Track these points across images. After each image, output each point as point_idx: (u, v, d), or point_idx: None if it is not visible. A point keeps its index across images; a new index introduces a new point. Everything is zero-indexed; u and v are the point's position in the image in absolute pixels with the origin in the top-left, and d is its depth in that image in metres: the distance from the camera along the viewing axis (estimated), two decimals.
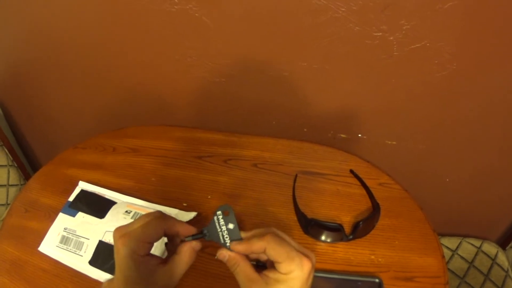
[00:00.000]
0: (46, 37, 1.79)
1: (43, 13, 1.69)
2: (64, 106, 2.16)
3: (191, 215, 1.37)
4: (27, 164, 2.56)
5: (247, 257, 0.89)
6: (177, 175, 1.52)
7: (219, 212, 0.91)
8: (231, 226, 0.90)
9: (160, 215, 0.93)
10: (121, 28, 1.65)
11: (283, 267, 0.81)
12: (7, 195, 2.07)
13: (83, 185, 1.48)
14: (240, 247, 0.87)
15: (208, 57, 1.65)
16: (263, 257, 0.90)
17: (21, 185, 2.14)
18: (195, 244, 0.93)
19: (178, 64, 1.71)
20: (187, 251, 0.92)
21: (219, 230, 0.90)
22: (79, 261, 1.26)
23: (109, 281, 0.91)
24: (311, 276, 0.83)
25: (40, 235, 1.34)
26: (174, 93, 1.87)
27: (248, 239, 0.87)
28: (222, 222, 0.90)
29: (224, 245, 0.89)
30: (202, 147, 1.61)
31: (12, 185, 2.09)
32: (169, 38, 1.63)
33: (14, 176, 2.11)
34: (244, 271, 0.85)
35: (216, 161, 1.56)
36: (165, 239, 1.02)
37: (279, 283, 0.81)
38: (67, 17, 1.68)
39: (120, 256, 0.86)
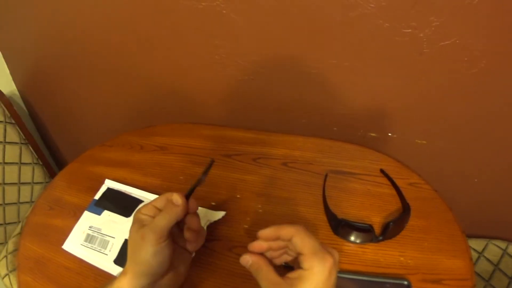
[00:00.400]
0: (72, 34, 1.80)
1: (68, 10, 1.70)
2: (90, 104, 2.17)
3: (220, 214, 1.35)
4: (53, 162, 2.57)
5: (270, 262, 0.90)
6: None
7: None
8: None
9: (170, 201, 1.02)
10: (149, 24, 1.64)
11: (306, 260, 0.81)
12: (32, 193, 2.09)
13: (109, 183, 1.48)
14: (269, 231, 0.89)
15: (237, 54, 1.64)
16: (288, 257, 0.92)
17: (46, 183, 2.16)
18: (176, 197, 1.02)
19: (206, 61, 1.70)
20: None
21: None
22: (104, 260, 1.25)
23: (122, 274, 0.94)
24: (334, 274, 0.81)
25: (64, 233, 1.34)
26: (202, 90, 1.86)
27: (277, 226, 0.88)
28: None
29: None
30: (230, 145, 1.60)
31: (36, 183, 2.10)
32: (196, 35, 1.62)
33: (38, 174, 2.12)
34: (267, 276, 0.85)
35: (245, 159, 1.55)
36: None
37: (303, 281, 0.80)
38: (94, 13, 1.68)
39: (140, 244, 0.92)
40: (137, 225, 0.96)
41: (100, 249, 1.28)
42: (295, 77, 1.64)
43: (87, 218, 1.37)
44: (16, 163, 2.05)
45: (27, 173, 2.07)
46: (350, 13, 1.37)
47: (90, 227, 1.34)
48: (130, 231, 0.96)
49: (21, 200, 2.06)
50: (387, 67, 1.52)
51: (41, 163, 2.15)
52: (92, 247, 1.29)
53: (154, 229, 0.93)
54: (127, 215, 1.34)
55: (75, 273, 1.24)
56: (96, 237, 1.31)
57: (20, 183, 2.06)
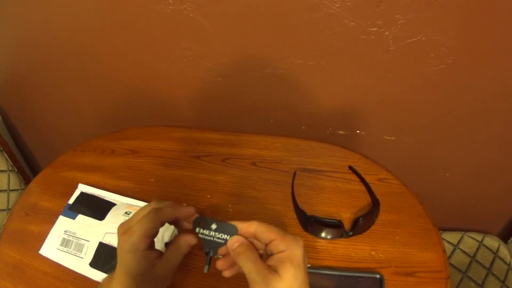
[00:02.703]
0: (44, 40, 1.80)
1: (41, 15, 1.70)
2: (63, 109, 2.17)
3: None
4: (27, 168, 2.57)
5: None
6: (176, 176, 1.53)
7: (197, 229, 0.95)
8: (213, 226, 0.93)
9: (155, 207, 0.99)
10: (118, 29, 1.66)
11: (279, 243, 0.83)
12: (8, 200, 2.07)
13: (82, 188, 1.49)
14: (231, 223, 0.91)
15: (204, 57, 1.66)
16: (258, 247, 0.92)
17: (22, 189, 2.14)
18: (191, 239, 1.01)
19: (175, 64, 1.72)
20: (183, 242, 1.01)
21: (211, 238, 0.93)
22: (80, 263, 1.27)
23: (109, 276, 0.97)
24: (305, 253, 0.84)
25: (40, 239, 1.35)
26: (171, 93, 1.88)
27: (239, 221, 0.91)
28: (206, 231, 0.94)
29: (225, 243, 0.92)
30: (200, 147, 1.62)
31: (12, 190, 2.09)
32: (165, 38, 1.63)
33: (14, 181, 2.11)
34: (253, 259, 0.85)
35: (215, 160, 1.57)
36: (165, 239, 1.13)
37: (285, 263, 0.81)
38: (64, 19, 1.68)
39: (122, 252, 0.93)
40: (120, 230, 0.97)
41: (75, 253, 1.29)
42: (262, 78, 1.66)
43: (62, 223, 1.38)
44: None
45: (2, 180, 2.06)
46: (316, 13, 1.39)
47: (65, 231, 1.35)
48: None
49: None
50: (353, 66, 1.55)
51: (16, 170, 2.14)
52: (68, 251, 1.31)
53: (132, 237, 0.94)
54: (100, 218, 1.36)
55: (52, 277, 1.25)
56: (72, 241, 1.32)
57: None
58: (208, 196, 1.45)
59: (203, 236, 0.93)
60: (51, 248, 1.33)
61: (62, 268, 1.24)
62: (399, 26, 1.38)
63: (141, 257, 0.95)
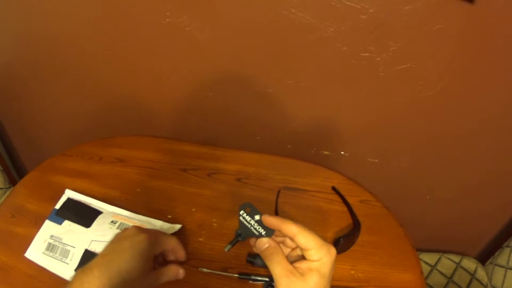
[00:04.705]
0: (36, 41, 1.80)
1: (34, 16, 1.70)
2: (52, 111, 2.17)
3: (176, 227, 1.39)
4: (12, 167, 2.56)
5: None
6: (162, 187, 1.54)
7: (241, 212, 0.96)
8: (257, 217, 0.95)
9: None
10: (114, 36, 1.67)
11: (314, 254, 0.86)
12: None
13: (69, 193, 1.49)
14: (273, 219, 0.92)
15: (197, 71, 1.68)
16: (288, 245, 0.95)
17: (6, 188, 2.14)
18: (181, 273, 1.14)
19: (167, 76, 1.73)
20: (174, 270, 1.13)
21: (249, 226, 0.95)
22: (65, 269, 1.27)
23: (82, 270, 0.99)
24: (334, 263, 0.88)
25: (26, 241, 1.35)
26: (162, 104, 1.89)
27: (281, 218, 0.91)
28: (248, 218, 0.95)
29: (260, 236, 0.94)
30: (187, 160, 1.63)
31: None
32: (160, 50, 1.65)
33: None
34: (281, 261, 0.88)
35: (201, 174, 1.58)
36: None
37: (313, 271, 0.85)
38: (61, 22, 1.69)
39: (134, 251, 1.03)
40: (127, 235, 1.08)
41: (61, 258, 1.29)
42: (252, 96, 1.69)
43: (48, 227, 1.38)
44: None
45: None
46: (310, 36, 1.42)
47: (51, 236, 1.35)
48: (117, 239, 1.08)
49: None
50: (343, 89, 1.58)
51: (1, 168, 2.14)
52: (54, 256, 1.30)
53: (153, 242, 1.08)
54: (87, 225, 1.35)
55: (37, 281, 1.25)
56: (57, 246, 1.32)
57: None
58: (193, 210, 1.46)
59: (243, 220, 0.96)
60: (37, 252, 1.33)
61: (47, 273, 1.25)
62: (390, 53, 1.41)
63: (147, 260, 1.05)
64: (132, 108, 1.97)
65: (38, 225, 1.39)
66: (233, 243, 0.98)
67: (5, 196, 1.98)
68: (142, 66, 1.75)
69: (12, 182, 2.20)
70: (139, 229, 1.10)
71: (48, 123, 2.26)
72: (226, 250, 0.98)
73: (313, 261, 0.86)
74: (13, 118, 2.32)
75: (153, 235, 1.10)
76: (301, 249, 0.89)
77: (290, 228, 0.88)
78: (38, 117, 2.24)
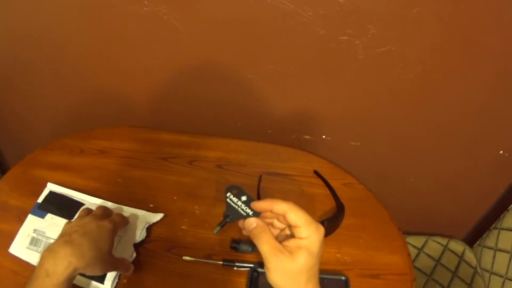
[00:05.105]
0: (14, 36, 1.79)
1: (11, 11, 1.69)
2: (32, 105, 2.16)
3: (158, 216, 1.39)
4: None
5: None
6: (142, 177, 1.54)
7: (228, 194, 0.96)
8: (244, 198, 0.95)
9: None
10: (91, 27, 1.66)
11: (303, 231, 0.86)
12: None
13: (51, 187, 1.49)
14: (263, 203, 0.92)
15: (175, 59, 1.68)
16: (276, 226, 0.96)
17: None
18: (132, 268, 1.25)
19: (146, 65, 1.73)
20: (128, 262, 1.25)
21: (236, 207, 0.95)
22: None
23: (50, 250, 1.05)
24: (323, 241, 0.88)
25: (10, 237, 1.34)
26: (141, 94, 1.89)
27: (270, 199, 0.91)
28: (235, 199, 0.95)
29: (248, 217, 0.94)
30: (166, 149, 1.63)
31: None
32: (137, 39, 1.65)
33: None
34: (269, 240, 0.88)
35: (181, 162, 1.59)
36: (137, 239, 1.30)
37: (302, 249, 0.85)
38: (35, 16, 1.68)
39: (105, 230, 1.15)
40: (93, 217, 1.19)
41: None
42: (231, 82, 1.69)
43: (31, 221, 1.38)
44: None
45: None
46: (288, 21, 1.42)
47: (34, 230, 1.35)
48: (86, 223, 1.16)
49: None
50: (323, 73, 1.58)
51: None
52: (38, 250, 1.31)
53: (113, 223, 1.20)
54: (69, 217, 1.33)
55: (22, 276, 1.25)
56: (41, 240, 1.33)
57: None
58: (175, 198, 1.47)
59: (230, 202, 0.96)
60: (21, 247, 1.33)
61: (32, 268, 1.22)
62: (369, 36, 1.42)
63: (111, 244, 1.16)
64: (112, 100, 1.96)
65: (21, 220, 1.39)
66: (222, 224, 0.98)
67: None
68: (121, 57, 1.74)
69: None
70: (97, 216, 1.21)
71: (29, 118, 2.25)
72: (215, 232, 0.98)
73: (302, 238, 0.86)
74: None
75: (111, 221, 1.20)
76: (291, 227, 0.90)
77: (281, 206, 0.88)
78: (19, 112, 2.23)
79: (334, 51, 1.49)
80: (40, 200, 1.45)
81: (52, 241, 1.24)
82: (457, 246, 2.07)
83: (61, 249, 1.03)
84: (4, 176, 1.58)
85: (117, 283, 1.25)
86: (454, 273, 1.96)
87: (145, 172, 1.56)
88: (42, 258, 1.03)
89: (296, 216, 0.87)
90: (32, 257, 1.31)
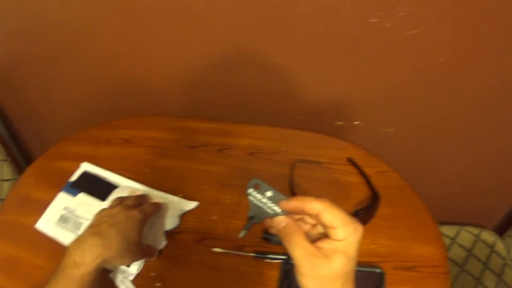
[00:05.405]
0: (37, 29, 1.79)
1: (31, 6, 1.68)
2: (56, 98, 2.17)
3: (193, 204, 1.39)
4: (22, 158, 2.56)
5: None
6: (171, 166, 1.52)
7: (250, 190, 0.86)
8: (269, 193, 0.84)
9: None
10: (112, 16, 1.64)
11: (339, 232, 0.78)
12: (1, 190, 2.07)
13: (86, 166, 1.52)
14: (293, 203, 0.82)
15: (202, 45, 1.65)
16: (308, 222, 0.87)
17: (15, 179, 2.14)
18: (157, 253, 1.26)
19: (171, 53, 1.71)
20: (153, 248, 1.26)
21: (261, 205, 0.85)
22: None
23: (78, 241, 1.07)
24: (360, 241, 0.81)
25: (33, 231, 1.35)
26: (167, 82, 1.87)
27: (301, 198, 0.82)
28: (258, 196, 0.85)
29: (275, 215, 0.85)
30: (195, 137, 1.60)
31: (6, 180, 2.08)
32: (162, 26, 1.62)
33: (8, 171, 2.10)
34: (301, 243, 0.79)
35: (211, 150, 1.55)
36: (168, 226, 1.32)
37: (338, 253, 0.77)
38: (59, 7, 1.67)
39: (135, 219, 1.15)
40: (123, 208, 1.18)
41: (73, 230, 1.33)
42: (260, 67, 1.66)
43: (62, 199, 1.41)
44: None
45: None
46: (316, 4, 1.38)
47: (65, 208, 1.38)
48: (116, 213, 1.15)
49: None
50: (353, 56, 1.54)
51: (9, 159, 2.13)
52: (66, 228, 1.34)
53: (143, 213, 1.19)
54: (102, 198, 1.38)
55: (46, 271, 1.17)
56: (70, 219, 1.35)
57: None
58: (205, 187, 1.44)
59: (253, 199, 0.85)
60: (49, 223, 1.36)
61: (57, 262, 1.21)
62: (399, 19, 1.37)
63: (140, 234, 1.16)
64: (136, 90, 1.96)
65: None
66: (248, 227, 0.89)
67: None
68: (144, 45, 1.73)
69: (22, 173, 2.19)
70: (127, 206, 1.21)
71: (53, 111, 2.28)
72: (241, 236, 0.89)
73: (338, 240, 0.78)
74: (18, 109, 2.33)
75: (142, 210, 1.20)
76: (325, 227, 0.81)
77: (314, 206, 0.79)
78: (43, 105, 2.25)
79: (364, 34, 1.46)
80: (73, 178, 1.48)
81: (81, 220, 1.36)
82: (489, 236, 2.02)
83: (89, 240, 1.05)
84: (28, 169, 1.58)
85: (143, 266, 1.26)
86: (485, 265, 1.93)
87: (174, 161, 1.54)
88: (70, 249, 1.04)
89: (331, 216, 0.78)
90: (59, 234, 1.33)
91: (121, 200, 1.26)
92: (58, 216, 1.36)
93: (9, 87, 2.19)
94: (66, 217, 1.35)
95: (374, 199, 1.35)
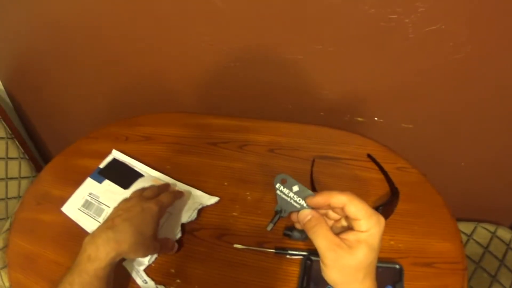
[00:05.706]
0: (54, 27, 1.80)
1: (52, 3, 1.69)
2: (73, 96, 2.18)
3: (213, 199, 1.39)
4: (39, 156, 2.56)
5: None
6: (192, 162, 1.51)
7: (278, 185, 0.89)
8: (296, 188, 0.88)
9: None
10: (131, 13, 1.64)
11: (363, 224, 0.80)
12: (19, 188, 2.08)
13: (116, 154, 1.55)
14: (319, 198, 0.86)
15: (221, 41, 1.64)
16: (331, 217, 0.89)
17: (33, 177, 2.16)
18: (176, 246, 1.26)
19: (190, 49, 1.70)
20: (172, 242, 1.26)
21: (288, 199, 0.88)
22: (96, 227, 1.23)
23: (92, 235, 1.08)
24: (383, 233, 0.83)
25: (52, 228, 1.36)
26: (186, 79, 1.86)
27: (327, 192, 0.85)
28: (286, 190, 0.88)
29: (301, 209, 0.87)
30: (216, 133, 1.60)
31: (23, 178, 2.09)
32: (180, 23, 1.62)
33: (25, 169, 2.12)
34: (326, 234, 0.82)
35: (231, 147, 1.55)
36: (183, 220, 1.32)
37: (362, 243, 0.80)
38: (78, 6, 1.67)
39: (151, 212, 1.15)
40: (139, 200, 1.19)
41: (94, 216, 1.35)
42: (280, 63, 1.65)
43: (89, 185, 1.44)
44: (3, 158, 2.03)
45: (13, 168, 2.06)
46: (336, 0, 1.37)
47: (89, 193, 1.41)
48: (131, 206, 1.16)
49: (8, 196, 2.05)
50: (373, 52, 1.53)
51: (27, 157, 2.14)
52: (89, 213, 1.36)
53: (159, 204, 1.18)
54: (126, 187, 1.41)
55: (65, 267, 1.16)
56: (93, 204, 1.38)
57: (7, 178, 2.06)
58: (226, 183, 1.43)
59: (281, 194, 0.89)
60: (73, 207, 1.40)
61: (74, 258, 1.21)
62: (419, 14, 1.35)
63: (155, 227, 1.16)
64: (156, 86, 1.96)
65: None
66: (275, 221, 0.92)
67: None
68: (163, 42, 1.73)
69: (39, 170, 2.22)
70: (144, 198, 1.21)
71: (71, 109, 2.29)
72: (268, 229, 0.91)
73: (362, 232, 0.80)
74: (36, 107, 2.35)
75: (158, 202, 1.20)
76: (349, 219, 0.84)
77: (339, 199, 0.82)
78: (60, 104, 2.27)
79: (383, 30, 1.44)
80: (102, 165, 1.52)
81: (103, 207, 1.37)
82: (505, 233, 2.01)
83: (103, 235, 1.06)
84: (46, 166, 1.59)
85: (155, 258, 1.26)
86: (502, 262, 1.91)
87: (194, 157, 1.53)
88: (85, 244, 1.05)
89: (356, 208, 0.81)
90: (81, 219, 1.37)
91: (141, 191, 1.26)
92: (82, 201, 1.39)
93: (27, 86, 2.20)
94: (90, 202, 1.38)
95: (393, 195, 1.34)
